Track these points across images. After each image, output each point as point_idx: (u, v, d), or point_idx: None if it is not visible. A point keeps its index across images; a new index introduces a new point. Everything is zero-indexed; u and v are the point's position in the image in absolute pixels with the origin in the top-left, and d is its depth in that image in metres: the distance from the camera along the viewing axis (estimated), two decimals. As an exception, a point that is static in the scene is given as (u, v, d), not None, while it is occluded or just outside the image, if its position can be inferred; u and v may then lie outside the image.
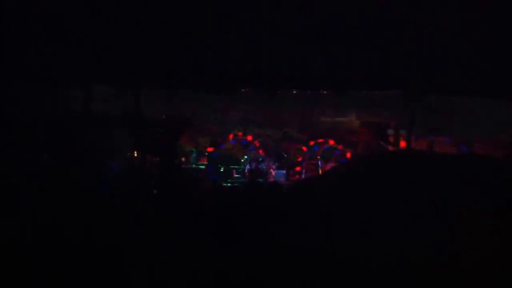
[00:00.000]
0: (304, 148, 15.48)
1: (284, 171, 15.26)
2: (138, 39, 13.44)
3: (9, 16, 13.06)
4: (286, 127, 15.65)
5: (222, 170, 15.15)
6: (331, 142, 15.55)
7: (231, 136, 15.59)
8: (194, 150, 15.42)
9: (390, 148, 14.99)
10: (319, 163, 15.51)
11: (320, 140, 15.59)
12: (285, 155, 15.45)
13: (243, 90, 15.23)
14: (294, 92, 15.30)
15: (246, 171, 15.23)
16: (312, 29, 13.98)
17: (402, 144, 14.95)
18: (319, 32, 14.01)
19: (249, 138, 15.62)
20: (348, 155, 15.36)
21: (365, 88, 14.57)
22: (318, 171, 15.33)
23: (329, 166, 15.37)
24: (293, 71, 14.15)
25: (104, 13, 13.29)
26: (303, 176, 15.09)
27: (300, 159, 15.42)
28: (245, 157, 15.42)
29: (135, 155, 14.59)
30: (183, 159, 14.97)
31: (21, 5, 13.09)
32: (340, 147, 15.46)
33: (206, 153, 15.42)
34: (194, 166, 15.08)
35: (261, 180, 14.91)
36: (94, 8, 13.25)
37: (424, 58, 13.55)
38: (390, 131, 15.21)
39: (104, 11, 13.26)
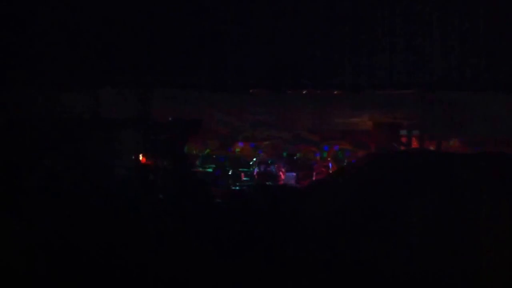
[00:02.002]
0: (315, 150, 15.17)
1: (294, 174, 14.95)
2: (146, 38, 13.33)
3: (14, 18, 12.97)
4: (297, 128, 15.33)
5: (230, 173, 14.88)
6: (343, 143, 15.23)
7: (240, 139, 15.32)
8: (201, 153, 15.15)
9: (402, 148, 14.65)
10: (330, 165, 15.19)
11: (331, 142, 15.26)
12: (295, 157, 15.15)
13: (252, 90, 14.96)
14: (305, 92, 14.98)
15: (255, 174, 14.94)
16: (323, 28, 13.84)
17: (415, 144, 14.61)
18: (330, 31, 13.85)
19: (259, 140, 15.35)
20: (360, 156, 14.99)
21: (378, 88, 14.29)
22: (329, 173, 14.99)
23: (339, 167, 15.04)
24: (304, 71, 14.00)
25: (110, 12, 13.16)
26: (313, 178, 14.78)
27: (311, 161, 15.12)
28: (254, 159, 15.13)
29: (143, 159, 14.37)
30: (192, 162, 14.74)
31: (27, 6, 13.00)
32: (351, 148, 15.12)
33: (214, 156, 15.15)
34: (201, 169, 14.80)
35: (270, 183, 14.62)
36: (100, 7, 13.12)
37: (436, 55, 13.39)
38: (403, 132, 14.86)
39: (110, 10, 13.14)
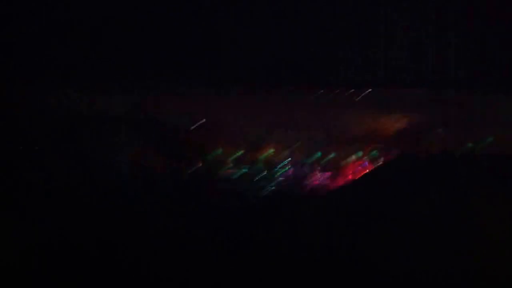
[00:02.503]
0: (344, 152, 14.89)
1: (328, 174, 14.78)
2: (162, 38, 13.48)
3: (22, 17, 13.33)
4: (329, 129, 15.11)
5: (262, 175, 14.82)
6: (371, 144, 14.90)
7: (261, 143, 15.23)
8: (230, 157, 15.13)
9: (428, 148, 14.24)
10: (366, 164, 14.90)
11: (353, 146, 14.98)
12: (324, 159, 14.94)
13: (282, 90, 14.88)
14: (336, 92, 14.77)
15: (283, 177, 14.81)
16: (343, 28, 13.79)
17: (439, 144, 14.14)
18: (351, 30, 13.82)
19: (281, 145, 15.21)
20: (388, 157, 14.69)
21: (403, 87, 14.11)
22: (358, 175, 14.74)
23: (369, 169, 14.79)
24: (332, 71, 13.95)
25: (124, 13, 13.35)
26: (343, 180, 14.57)
27: (339, 163, 14.88)
28: (286, 161, 14.99)
29: (159, 162, 14.52)
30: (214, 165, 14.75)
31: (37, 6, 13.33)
32: (379, 149, 14.79)
33: (245, 159, 15.11)
34: (231, 173, 14.81)
35: (299, 186, 14.53)
36: (111, 9, 13.32)
37: (456, 54, 13.18)
38: (429, 132, 14.41)
39: (123, 10, 13.33)
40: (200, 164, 13.80)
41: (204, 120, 14.58)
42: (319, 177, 14.66)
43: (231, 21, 13.72)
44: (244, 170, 14.96)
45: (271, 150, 15.14)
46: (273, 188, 14.41)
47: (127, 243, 11.07)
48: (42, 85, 13.19)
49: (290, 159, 14.94)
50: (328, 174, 14.78)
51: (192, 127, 14.45)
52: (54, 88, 13.38)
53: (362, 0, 13.50)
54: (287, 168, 14.88)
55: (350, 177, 14.53)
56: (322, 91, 14.62)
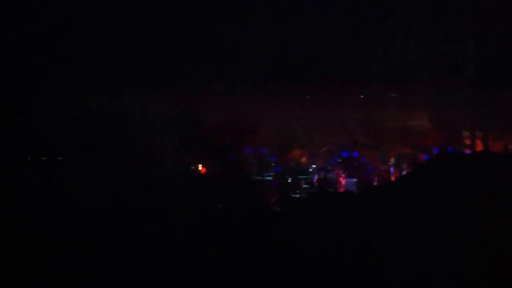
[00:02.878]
0: (375, 155, 14.83)
1: (355, 180, 14.64)
2: (198, 43, 13.45)
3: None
4: (355, 133, 15.07)
5: (289, 180, 14.67)
6: (402, 147, 14.86)
7: (298, 146, 15.15)
8: (259, 160, 15.00)
9: (466, 150, 14.21)
10: (391, 169, 14.83)
11: (391, 146, 14.92)
12: (355, 163, 14.84)
13: (307, 96, 14.89)
14: (361, 97, 14.82)
15: (314, 181, 14.70)
16: (380, 32, 13.78)
17: (479, 146, 14.13)
18: (387, 33, 13.80)
19: (317, 147, 15.14)
20: (421, 159, 14.61)
21: (435, 89, 14.07)
22: (390, 178, 14.64)
23: (401, 172, 14.69)
24: (357, 75, 13.91)
25: (165, 18, 13.38)
26: (375, 183, 14.43)
27: (371, 166, 14.78)
28: (313, 166, 14.91)
29: (199, 167, 14.36)
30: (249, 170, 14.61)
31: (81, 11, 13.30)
32: (412, 151, 14.76)
33: (272, 164, 14.99)
34: (260, 177, 14.64)
35: (330, 189, 14.35)
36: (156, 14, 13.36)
37: (498, 54, 13.18)
38: (466, 133, 14.42)
39: (166, 15, 13.36)
40: (229, 165, 13.66)
41: (235, 123, 14.54)
42: (350, 180, 14.57)
43: (268, 29, 13.77)
44: (272, 173, 14.88)
45: (296, 157, 15.07)
46: (301, 191, 14.28)
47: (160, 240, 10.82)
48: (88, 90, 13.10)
49: (317, 163, 14.88)
50: (355, 178, 14.69)
51: (223, 129, 14.36)
52: (94, 91, 13.30)
53: (390, 6, 13.68)
54: (315, 172, 14.80)
55: (377, 181, 14.43)
56: (346, 96, 14.69)
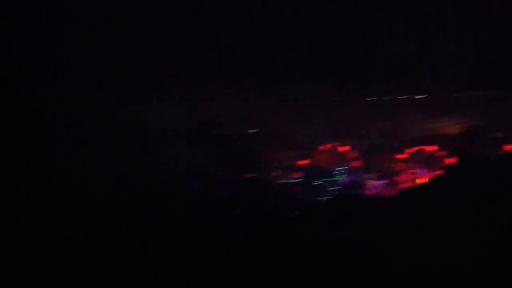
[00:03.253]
0: (402, 157, 14.70)
1: (381, 182, 14.52)
2: (220, 50, 13.42)
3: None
4: (381, 135, 14.96)
5: (314, 183, 14.54)
6: (429, 148, 14.73)
7: (322, 148, 15.01)
8: (284, 164, 14.87)
9: (491, 152, 14.08)
10: (418, 172, 14.70)
11: (417, 148, 14.80)
12: (382, 165, 14.72)
13: (332, 99, 14.81)
14: (386, 98, 14.73)
15: (340, 183, 14.56)
16: (403, 34, 13.75)
17: (504, 147, 14.02)
18: (410, 37, 13.77)
19: (342, 149, 14.99)
20: (448, 161, 14.49)
21: (460, 91, 14.01)
22: (417, 181, 14.52)
23: (428, 174, 14.57)
24: (382, 77, 13.87)
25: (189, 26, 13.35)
26: (401, 186, 14.31)
27: (397, 169, 14.65)
28: (338, 169, 14.76)
29: (223, 171, 14.22)
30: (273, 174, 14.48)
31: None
32: (438, 153, 14.63)
33: (297, 167, 14.85)
34: (285, 180, 14.50)
35: (357, 192, 14.22)
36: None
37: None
38: (490, 134, 14.31)
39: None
40: (256, 170, 13.55)
41: (259, 128, 14.43)
42: (375, 184, 14.42)
43: (288, 34, 13.71)
44: (300, 176, 14.74)
45: (326, 158, 14.93)
46: (330, 194, 14.14)
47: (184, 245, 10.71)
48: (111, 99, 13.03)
49: (346, 166, 14.74)
50: (385, 180, 14.55)
51: (248, 134, 14.26)
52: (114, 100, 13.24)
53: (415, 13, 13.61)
54: (343, 175, 14.65)
55: (404, 184, 14.30)
56: (376, 97, 14.58)
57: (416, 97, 14.69)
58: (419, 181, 14.41)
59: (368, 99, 14.83)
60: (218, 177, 13.99)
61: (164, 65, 13.66)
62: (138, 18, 13.39)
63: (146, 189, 12.53)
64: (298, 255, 10.93)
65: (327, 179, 14.60)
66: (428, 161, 14.68)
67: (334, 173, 14.66)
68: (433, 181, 13.93)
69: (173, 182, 13.08)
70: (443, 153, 14.50)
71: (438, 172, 14.45)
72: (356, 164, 14.74)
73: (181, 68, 13.65)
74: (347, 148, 14.94)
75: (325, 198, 14.01)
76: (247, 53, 13.71)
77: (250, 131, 14.69)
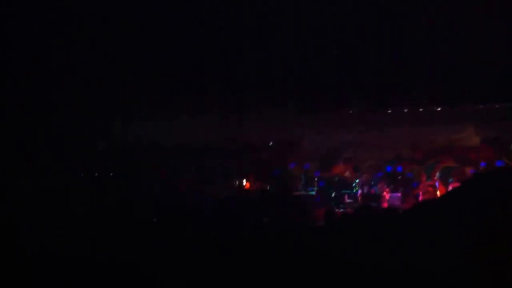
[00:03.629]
0: (420, 169, 14.64)
1: (399, 194, 14.47)
2: (239, 62, 13.61)
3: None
4: (399, 147, 14.94)
5: (333, 195, 14.63)
6: (448, 161, 14.62)
7: (341, 160, 15.10)
8: (303, 175, 15.01)
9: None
10: (437, 184, 14.61)
11: (436, 160, 14.71)
12: (400, 177, 14.68)
13: (351, 111, 14.88)
14: (405, 110, 14.72)
15: (358, 195, 14.62)
16: (421, 44, 13.67)
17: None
18: (427, 47, 13.68)
19: (360, 161, 15.04)
20: (468, 174, 14.34)
21: (481, 102, 13.82)
22: (436, 193, 14.43)
23: (447, 187, 14.46)
24: (402, 88, 13.83)
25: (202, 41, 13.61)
26: (420, 198, 14.23)
27: (415, 181, 14.59)
28: (357, 180, 14.82)
29: (244, 183, 14.48)
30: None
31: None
32: (457, 166, 14.50)
33: (316, 178, 14.97)
34: (304, 192, 14.64)
35: (375, 204, 14.22)
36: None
37: None
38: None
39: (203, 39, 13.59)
40: (274, 181, 13.72)
41: (279, 140, 14.62)
42: (393, 196, 14.41)
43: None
44: (311, 192, 14.86)
45: (344, 170, 15.00)
46: (345, 206, 14.19)
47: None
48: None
49: (361, 178, 14.79)
50: (399, 193, 14.53)
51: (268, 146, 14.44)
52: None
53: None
54: (358, 187, 14.70)
55: (422, 196, 14.23)
56: (391, 110, 14.58)
57: (437, 109, 14.62)
58: (436, 194, 14.33)
59: (388, 111, 14.84)
60: (237, 188, 14.28)
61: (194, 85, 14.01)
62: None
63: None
64: (312, 267, 11.04)
65: (345, 191, 14.67)
66: (448, 174, 14.56)
67: (352, 184, 14.73)
68: (451, 193, 13.81)
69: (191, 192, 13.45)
70: (464, 165, 14.36)
71: (455, 185, 14.34)
72: (375, 175, 14.77)
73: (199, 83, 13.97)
74: (366, 160, 14.98)
75: (343, 209, 14.09)
76: (266, 62, 13.87)
77: (270, 143, 14.95)
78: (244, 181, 14.59)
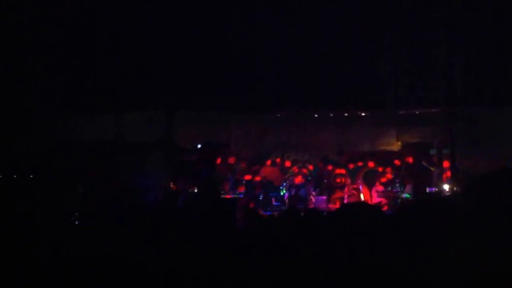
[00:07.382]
0: (344, 172, 14.95)
1: (325, 197, 14.74)
2: (171, 61, 13.47)
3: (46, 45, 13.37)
4: (325, 150, 15.20)
5: (260, 198, 14.75)
6: (371, 164, 15.01)
7: (268, 163, 15.25)
8: (231, 177, 15.08)
9: (433, 168, 14.33)
10: (360, 187, 14.97)
11: (360, 163, 15.07)
12: (325, 180, 14.95)
13: (279, 114, 15.00)
14: (331, 114, 14.96)
15: (285, 198, 14.80)
16: (348, 50, 13.80)
17: (445, 164, 14.27)
18: (354, 52, 13.81)
19: (288, 163, 15.23)
20: (390, 176, 14.77)
21: (403, 107, 14.12)
22: (360, 196, 14.78)
23: (371, 190, 14.86)
24: (328, 93, 13.90)
25: (137, 36, 13.45)
26: (344, 201, 14.52)
27: (340, 184, 14.89)
28: (284, 183, 15.01)
29: (172, 185, 14.40)
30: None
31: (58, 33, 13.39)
32: (380, 169, 14.91)
33: (244, 181, 15.08)
34: (231, 194, 14.66)
35: (300, 206, 14.41)
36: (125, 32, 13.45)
37: (461, 72, 13.27)
38: (433, 151, 14.58)
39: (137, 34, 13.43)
40: (200, 182, 13.71)
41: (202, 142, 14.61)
42: (319, 198, 14.66)
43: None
44: (238, 195, 14.93)
45: (271, 172, 15.12)
46: (272, 208, 14.30)
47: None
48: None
49: (286, 182, 14.97)
50: (325, 196, 14.79)
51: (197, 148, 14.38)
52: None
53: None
54: (285, 190, 14.86)
55: (348, 199, 14.53)
56: (316, 113, 14.76)
57: (362, 113, 14.89)
58: (360, 197, 14.69)
59: (315, 115, 15.05)
60: (168, 190, 14.19)
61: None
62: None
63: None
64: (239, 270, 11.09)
65: (272, 194, 14.83)
66: (371, 177, 14.92)
67: (280, 187, 14.90)
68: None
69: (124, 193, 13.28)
70: (386, 169, 14.75)
71: (379, 188, 14.74)
72: (302, 179, 14.97)
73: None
74: (293, 162, 15.17)
75: (270, 211, 14.19)
76: (200, 64, 13.74)
77: (198, 145, 14.94)
78: (171, 184, 14.55)
